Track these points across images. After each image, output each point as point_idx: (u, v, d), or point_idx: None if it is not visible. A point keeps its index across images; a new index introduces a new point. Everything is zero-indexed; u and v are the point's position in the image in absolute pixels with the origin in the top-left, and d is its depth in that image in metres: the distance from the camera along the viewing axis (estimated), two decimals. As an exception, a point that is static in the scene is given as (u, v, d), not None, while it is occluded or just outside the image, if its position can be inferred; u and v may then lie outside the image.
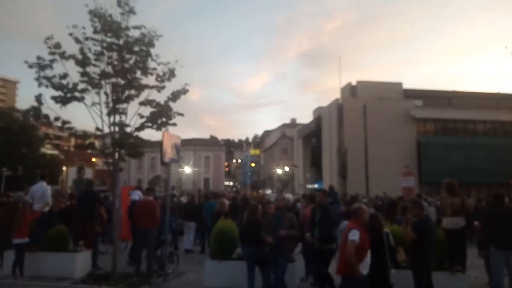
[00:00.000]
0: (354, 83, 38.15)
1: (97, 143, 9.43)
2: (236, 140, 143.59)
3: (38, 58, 8.05)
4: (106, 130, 8.61)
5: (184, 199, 15.91)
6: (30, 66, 8.04)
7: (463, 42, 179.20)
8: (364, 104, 33.76)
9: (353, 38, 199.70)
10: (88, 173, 16.76)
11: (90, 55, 8.38)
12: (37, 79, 8.07)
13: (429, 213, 10.12)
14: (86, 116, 8.73)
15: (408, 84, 43.65)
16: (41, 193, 9.93)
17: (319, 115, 42.60)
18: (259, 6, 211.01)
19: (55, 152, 66.84)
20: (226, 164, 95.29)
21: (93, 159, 30.61)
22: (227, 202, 11.58)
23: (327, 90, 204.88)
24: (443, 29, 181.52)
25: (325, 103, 42.21)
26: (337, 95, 39.49)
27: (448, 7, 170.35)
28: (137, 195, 11.14)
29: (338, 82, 48.84)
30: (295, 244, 7.42)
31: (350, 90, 37.95)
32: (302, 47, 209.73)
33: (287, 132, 67.61)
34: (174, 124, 8.89)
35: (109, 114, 8.51)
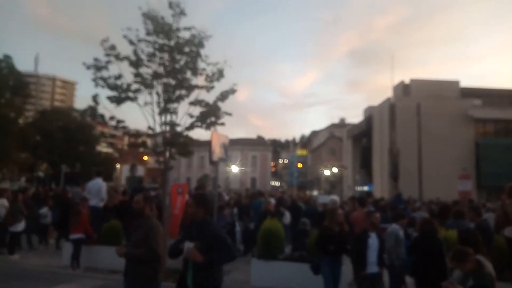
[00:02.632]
0: (407, 81, 36.80)
1: (149, 142, 9.72)
2: (282, 140, 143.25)
3: (95, 60, 8.42)
4: (158, 129, 8.84)
5: (226, 197, 16.00)
6: (88, 68, 8.42)
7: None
8: (418, 103, 32.41)
9: (406, 35, 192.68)
10: (140, 171, 17.36)
11: (143, 57, 8.65)
12: (94, 79, 8.44)
13: (488, 219, 9.49)
14: (138, 116, 9.03)
15: (465, 83, 41.32)
16: (97, 189, 10.40)
17: (369, 115, 41.47)
18: (307, 3, 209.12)
19: (110, 150, 70.10)
20: (272, 164, 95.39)
21: (145, 158, 31.73)
22: (273, 201, 11.53)
23: (378, 89, 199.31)
24: (504, 23, 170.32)
25: (375, 102, 41.04)
26: (389, 94, 38.29)
27: (506, 1, 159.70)
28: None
29: (389, 80, 47.30)
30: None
31: (403, 89, 36.64)
32: (352, 45, 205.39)
33: (336, 132, 66.41)
34: (223, 124, 8.98)
35: (160, 114, 8.73)
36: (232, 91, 8.98)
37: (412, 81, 36.33)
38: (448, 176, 26.98)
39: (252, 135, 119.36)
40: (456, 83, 36.32)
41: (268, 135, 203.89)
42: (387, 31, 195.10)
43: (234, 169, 60.09)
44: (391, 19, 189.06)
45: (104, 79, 8.42)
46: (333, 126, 72.27)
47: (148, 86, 8.64)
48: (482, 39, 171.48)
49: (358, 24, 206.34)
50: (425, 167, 31.08)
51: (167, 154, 8.87)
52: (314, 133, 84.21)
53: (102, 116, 8.76)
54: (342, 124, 69.09)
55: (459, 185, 18.34)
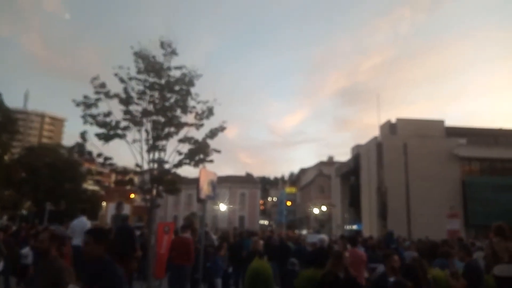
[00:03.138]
0: (393, 120, 37.51)
1: (136, 180, 9.63)
2: (271, 177, 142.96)
3: (85, 97, 8.46)
4: (146, 166, 8.79)
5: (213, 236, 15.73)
6: (77, 105, 8.45)
7: (508, 78, 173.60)
8: (404, 142, 32.93)
9: (391, 75, 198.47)
10: (127, 209, 17.01)
11: (133, 94, 8.73)
12: (83, 116, 8.45)
13: (478, 258, 9.45)
14: (126, 153, 8.98)
15: (450, 122, 42.27)
16: (81, 228, 10.12)
17: (357, 153, 41.88)
18: (296, 43, 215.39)
19: (96, 188, 69.05)
20: (261, 202, 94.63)
21: (132, 195, 31.22)
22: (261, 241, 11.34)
23: (365, 128, 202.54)
24: (486, 64, 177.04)
25: (363, 140, 41.58)
26: (376, 132, 38.88)
27: (491, 42, 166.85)
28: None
29: (376, 119, 48.13)
30: None
31: (390, 128, 37.27)
32: (340, 84, 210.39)
33: (324, 170, 66.67)
34: (211, 161, 8.97)
35: (148, 151, 8.71)
36: (222, 128, 9.05)
37: (398, 120, 37.05)
38: (436, 215, 27.01)
39: (241, 172, 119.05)
40: (441, 122, 37.13)
41: (257, 172, 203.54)
42: (373, 71, 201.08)
43: (222, 207, 59.39)
44: (376, 60, 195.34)
45: (93, 116, 8.43)
46: (321, 164, 72.64)
47: (137, 123, 8.66)
48: (465, 79, 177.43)
49: (345, 65, 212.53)
50: (413, 205, 31.16)
51: (154, 191, 8.78)
52: (303, 171, 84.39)
53: (89, 153, 8.71)
54: (330, 162, 69.50)
55: (447, 224, 18.37)
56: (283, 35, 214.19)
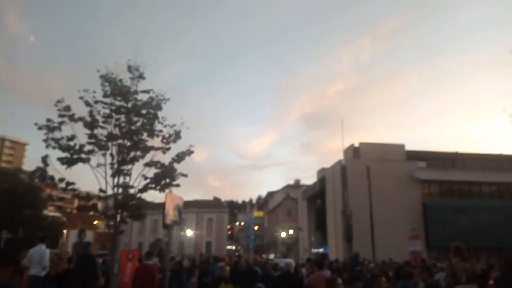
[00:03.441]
0: (356, 144, 38.51)
1: (99, 205, 9.39)
2: (239, 201, 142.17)
3: (48, 120, 8.28)
4: (110, 191, 8.62)
5: (186, 264, 15.45)
6: (40, 128, 8.25)
7: (463, 104, 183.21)
8: (367, 165, 33.85)
9: (355, 101, 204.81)
10: (89, 236, 16.45)
11: (99, 118, 8.62)
12: (45, 140, 8.23)
13: (439, 279, 9.74)
14: (90, 178, 8.79)
15: (411, 146, 43.77)
16: (39, 256, 9.69)
17: (323, 176, 42.52)
18: (263, 69, 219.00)
19: (58, 214, 66.18)
20: (228, 227, 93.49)
21: (95, 222, 30.18)
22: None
23: (331, 152, 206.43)
24: (443, 90, 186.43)
25: (329, 164, 42.34)
26: (340, 156, 39.72)
27: (447, 68, 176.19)
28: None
29: (340, 143, 49.31)
30: None
31: (353, 152, 38.21)
32: (306, 109, 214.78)
33: (291, 193, 67.08)
34: (178, 185, 8.92)
35: (113, 176, 8.57)
36: (189, 152, 9.06)
37: (361, 144, 38.08)
38: (399, 237, 27.63)
39: (209, 196, 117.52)
40: (401, 146, 38.46)
41: (225, 196, 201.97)
42: (337, 97, 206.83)
43: (189, 232, 58.23)
44: (340, 86, 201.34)
45: (56, 140, 8.24)
46: (289, 187, 73.09)
47: (102, 147, 8.54)
48: (424, 105, 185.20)
49: (311, 91, 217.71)
50: (376, 228, 31.81)
51: (118, 217, 8.59)
52: (271, 194, 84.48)
53: (51, 178, 8.45)
54: (297, 185, 70.05)
55: (410, 246, 18.81)
56: (250, 60, 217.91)
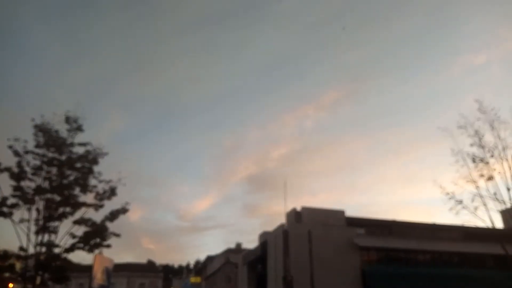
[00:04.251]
0: (299, 208, 38.89)
1: (18, 265, 8.50)
2: (176, 265, 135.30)
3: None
4: (31, 250, 7.87)
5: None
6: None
7: (398, 173, 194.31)
8: (309, 230, 34.05)
9: (298, 165, 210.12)
10: (2, 301, 14.72)
11: (28, 169, 8.06)
12: (-39, 191, 7.48)
13: None
14: (10, 234, 8.00)
15: (351, 211, 44.95)
16: None
17: (265, 240, 41.96)
18: (207, 129, 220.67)
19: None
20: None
21: (10, 285, 27.11)
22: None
23: (274, 214, 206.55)
24: (379, 160, 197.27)
25: (272, 227, 42.01)
26: (284, 219, 39.74)
27: (382, 141, 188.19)
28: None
29: (283, 207, 49.53)
30: None
31: (295, 216, 38.42)
32: (249, 171, 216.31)
33: (232, 258, 65.08)
34: (109, 246, 8.37)
35: (37, 233, 7.88)
36: (124, 210, 8.63)
37: (303, 208, 38.48)
38: (339, 305, 27.32)
39: (143, 259, 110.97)
40: (341, 212, 39.34)
41: (161, 259, 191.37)
42: (281, 160, 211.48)
43: (119, 298, 53.98)
44: (284, 150, 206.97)
45: (-27, 191, 7.51)
46: (229, 251, 71.06)
47: (28, 201, 7.90)
48: (361, 173, 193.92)
49: (255, 152, 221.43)
50: (317, 295, 31.30)
51: (38, 279, 7.77)
52: (210, 259, 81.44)
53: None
54: (238, 249, 68.35)
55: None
56: (194, 119, 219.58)
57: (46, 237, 7.88)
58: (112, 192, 8.52)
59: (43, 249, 7.80)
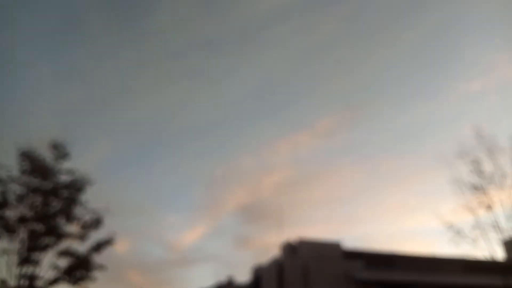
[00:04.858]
0: (294, 240, 38.10)
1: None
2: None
3: None
4: (13, 283, 7.49)
5: None
6: None
7: (396, 203, 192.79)
8: (304, 263, 33.25)
9: (292, 194, 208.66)
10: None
11: (12, 197, 7.80)
12: None
13: None
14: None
15: (349, 242, 43.94)
16: None
17: (258, 274, 40.93)
18: (198, 158, 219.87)
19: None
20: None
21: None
22: None
23: (267, 246, 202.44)
24: (377, 189, 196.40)
25: (265, 259, 41.02)
26: (277, 252, 38.86)
27: (379, 169, 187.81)
28: None
29: (278, 238, 48.56)
30: None
31: (290, 248, 37.62)
32: (241, 200, 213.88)
33: (224, 292, 63.19)
34: (94, 279, 7.97)
35: (20, 264, 7.52)
36: (110, 241, 8.29)
37: (299, 240, 37.75)
38: None
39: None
40: (338, 244, 38.57)
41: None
42: (275, 189, 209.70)
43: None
44: (278, 178, 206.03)
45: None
46: (220, 285, 69.13)
47: (11, 230, 7.59)
48: (358, 203, 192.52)
49: (247, 181, 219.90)
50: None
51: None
52: (202, 293, 79.10)
53: None
54: (229, 283, 66.51)
55: None
56: (184, 146, 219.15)
57: (29, 269, 7.51)
58: (98, 222, 8.23)
59: (26, 282, 7.42)
